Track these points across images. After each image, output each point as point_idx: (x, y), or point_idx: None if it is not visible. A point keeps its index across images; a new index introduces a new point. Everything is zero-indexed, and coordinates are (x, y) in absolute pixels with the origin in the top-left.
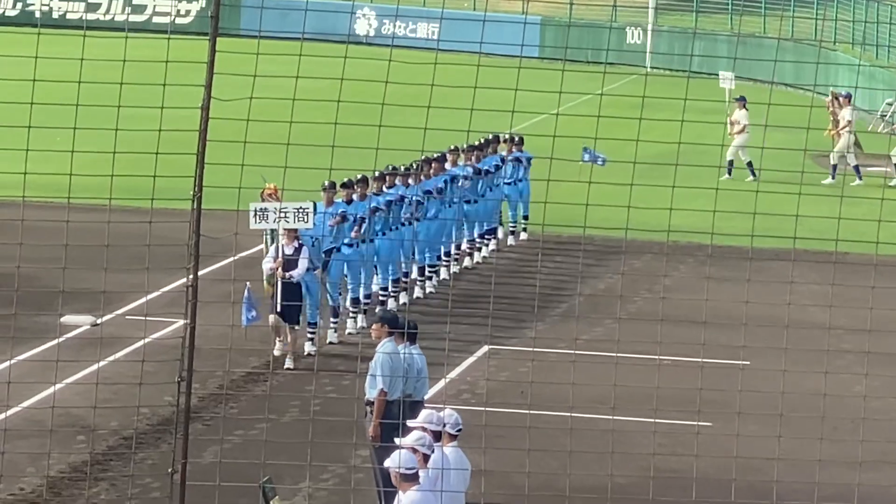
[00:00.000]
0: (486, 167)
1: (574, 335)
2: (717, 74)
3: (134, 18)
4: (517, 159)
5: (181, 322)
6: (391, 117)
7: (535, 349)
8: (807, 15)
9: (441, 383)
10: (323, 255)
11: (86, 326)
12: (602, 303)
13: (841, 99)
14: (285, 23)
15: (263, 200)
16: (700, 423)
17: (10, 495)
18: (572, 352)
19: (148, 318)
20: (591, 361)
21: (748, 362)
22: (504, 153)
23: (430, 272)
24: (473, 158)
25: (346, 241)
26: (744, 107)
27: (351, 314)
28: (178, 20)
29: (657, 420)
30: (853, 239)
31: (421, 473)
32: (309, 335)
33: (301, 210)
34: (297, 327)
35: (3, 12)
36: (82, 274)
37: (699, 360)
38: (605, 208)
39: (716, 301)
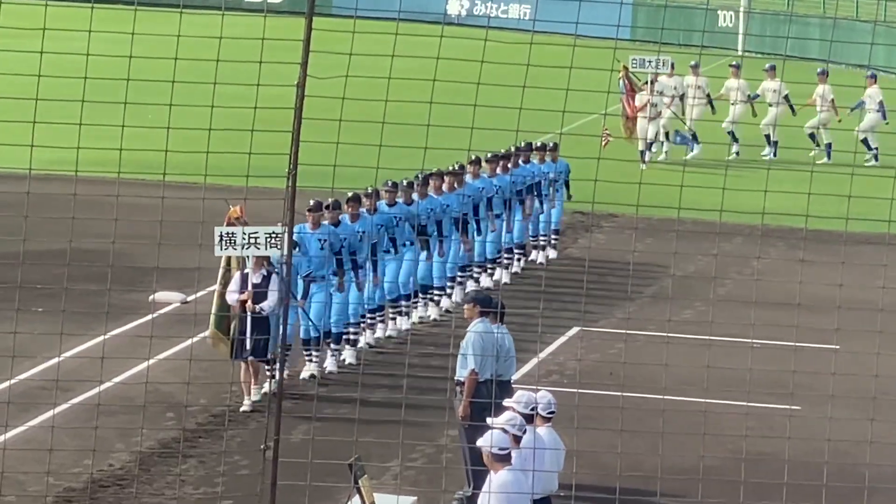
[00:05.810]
0: (515, 180)
1: (666, 317)
2: (812, 59)
3: None
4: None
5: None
6: (483, 98)
7: (627, 331)
8: None
9: (531, 364)
10: (301, 282)
11: (176, 304)
12: (693, 285)
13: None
14: (377, 2)
15: (230, 226)
16: (791, 407)
17: (99, 471)
18: (663, 334)
19: None
20: (681, 343)
21: (838, 347)
22: (536, 162)
23: (405, 307)
24: (500, 170)
25: (332, 270)
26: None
27: (332, 351)
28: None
29: (749, 403)
30: None
31: (513, 454)
32: (305, 357)
33: (272, 235)
34: (267, 361)
35: None
36: (175, 251)
37: (791, 343)
38: (696, 190)
39: (807, 284)
